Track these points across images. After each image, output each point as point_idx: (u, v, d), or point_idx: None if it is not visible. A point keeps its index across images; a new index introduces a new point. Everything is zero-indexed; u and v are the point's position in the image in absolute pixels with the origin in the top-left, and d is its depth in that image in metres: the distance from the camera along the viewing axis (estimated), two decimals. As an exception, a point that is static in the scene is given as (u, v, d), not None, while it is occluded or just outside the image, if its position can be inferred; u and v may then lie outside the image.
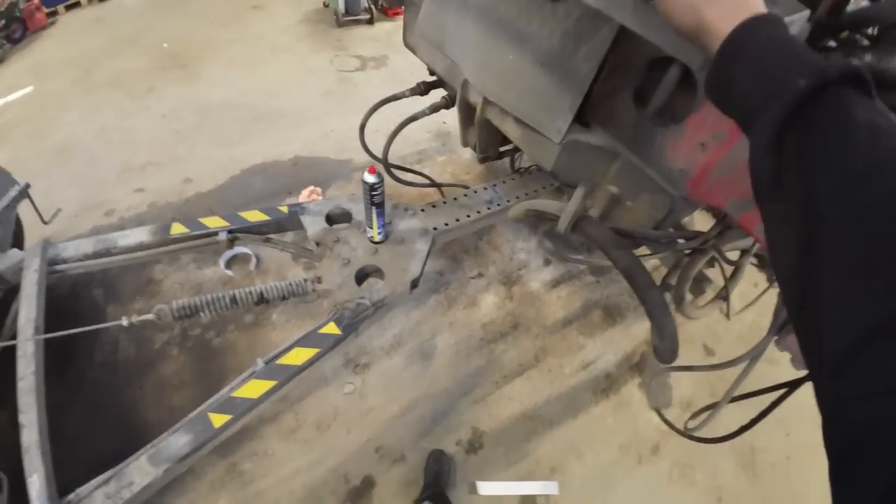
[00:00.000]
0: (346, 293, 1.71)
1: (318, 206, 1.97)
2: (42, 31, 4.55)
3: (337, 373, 2.23)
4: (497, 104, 1.62)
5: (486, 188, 2.23)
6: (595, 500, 2.02)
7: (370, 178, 1.63)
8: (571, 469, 2.07)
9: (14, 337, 1.58)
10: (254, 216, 1.91)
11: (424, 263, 1.84)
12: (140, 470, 1.32)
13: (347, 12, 4.91)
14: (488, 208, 2.12)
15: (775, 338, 1.46)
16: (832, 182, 0.41)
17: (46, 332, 1.60)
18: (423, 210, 2.05)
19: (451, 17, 1.64)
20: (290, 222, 1.96)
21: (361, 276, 1.81)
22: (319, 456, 1.98)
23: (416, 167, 2.90)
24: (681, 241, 1.63)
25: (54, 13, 4.76)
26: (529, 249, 2.89)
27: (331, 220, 1.95)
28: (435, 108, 2.15)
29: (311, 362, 1.54)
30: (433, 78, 2.22)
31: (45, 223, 2.03)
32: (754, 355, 1.57)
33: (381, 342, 2.37)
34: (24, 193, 1.96)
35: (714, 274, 2.04)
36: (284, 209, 1.95)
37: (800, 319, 0.43)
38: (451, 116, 2.13)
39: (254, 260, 2.59)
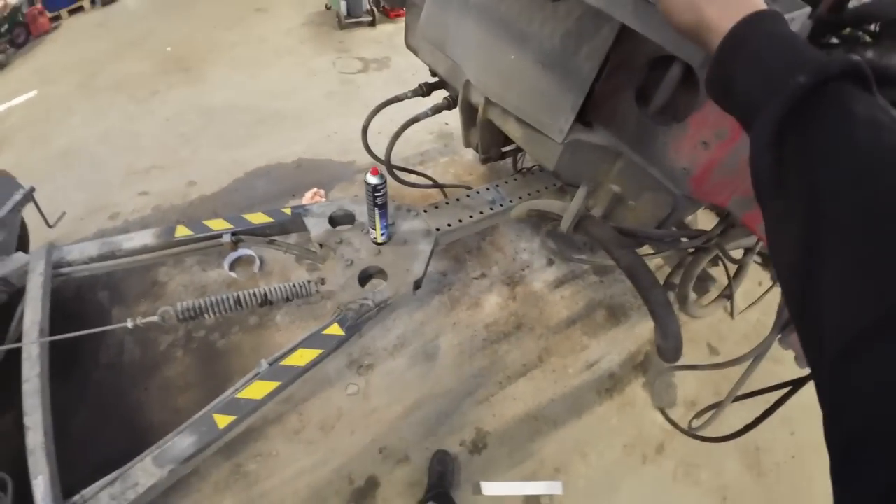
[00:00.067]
0: (350, 294, 1.72)
1: (321, 208, 1.98)
2: (45, 35, 4.58)
3: (341, 374, 2.24)
4: (499, 104, 1.62)
5: (488, 189, 2.23)
6: (599, 501, 2.01)
7: (373, 180, 1.63)
8: (576, 469, 2.07)
9: (19, 339, 1.59)
10: (257, 218, 1.91)
11: (427, 264, 1.84)
12: (145, 471, 1.32)
13: (349, 14, 4.93)
14: (491, 209, 2.13)
15: (779, 336, 1.46)
16: (833, 178, 0.41)
17: (51, 334, 1.61)
18: (425, 211, 2.05)
19: (452, 18, 1.65)
20: (294, 224, 1.96)
21: (365, 278, 1.81)
22: (324, 457, 1.99)
23: (419, 168, 2.91)
24: (684, 239, 1.63)
25: (57, 17, 4.79)
26: (532, 250, 2.88)
27: (334, 221, 1.96)
28: (437, 109, 2.15)
29: (314, 363, 1.54)
30: (435, 79, 2.22)
31: (49, 226, 2.04)
32: (758, 354, 1.56)
33: (385, 343, 2.37)
34: (29, 197, 1.97)
35: (718, 273, 2.03)
36: (288, 211, 1.95)
37: (800, 316, 0.43)
38: (453, 117, 2.14)
39: (258, 262, 2.60)
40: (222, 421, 1.41)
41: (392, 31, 5.00)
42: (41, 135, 3.39)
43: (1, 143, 3.33)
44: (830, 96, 0.44)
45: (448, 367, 2.32)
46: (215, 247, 1.87)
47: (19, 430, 1.39)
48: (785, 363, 1.92)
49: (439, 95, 2.20)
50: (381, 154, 2.28)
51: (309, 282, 1.72)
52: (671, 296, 1.85)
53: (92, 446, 1.83)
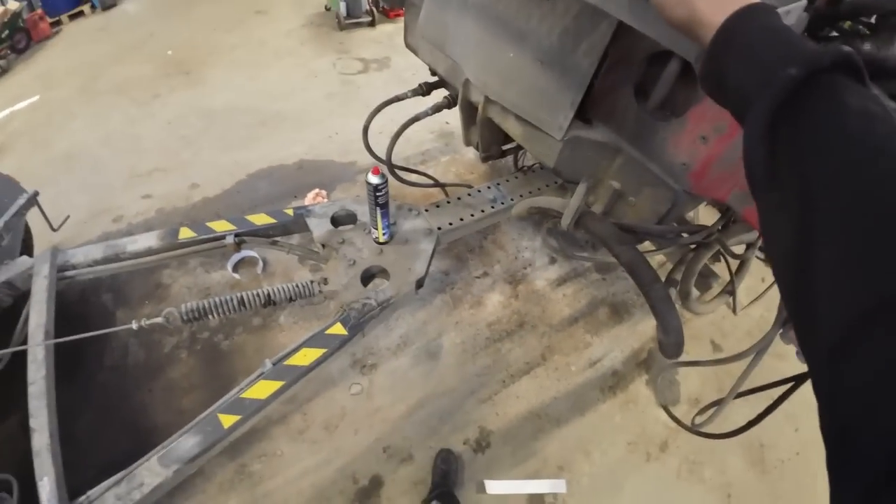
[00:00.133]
0: (352, 294, 1.72)
1: (323, 209, 1.99)
2: (46, 40, 4.61)
3: (344, 373, 2.24)
4: (498, 102, 1.62)
5: (489, 187, 2.24)
6: (603, 499, 2.01)
7: (374, 180, 1.64)
8: (579, 467, 2.07)
9: (25, 342, 1.61)
10: (260, 219, 1.92)
11: (429, 263, 1.85)
12: (150, 471, 1.33)
13: (349, 15, 4.94)
14: (492, 207, 2.13)
15: (780, 331, 1.45)
16: (826, 169, 0.41)
17: (56, 337, 1.62)
18: (427, 210, 2.06)
19: (451, 18, 1.65)
20: (296, 225, 1.97)
21: (367, 277, 1.82)
22: (328, 456, 1.99)
23: (420, 168, 2.91)
24: (685, 235, 1.63)
25: (58, 23, 4.82)
26: (534, 248, 2.88)
27: (336, 221, 1.97)
28: (437, 109, 2.16)
29: (318, 363, 1.55)
30: (435, 78, 2.23)
31: (53, 230, 2.05)
32: (760, 349, 1.56)
33: (388, 342, 2.38)
34: (33, 201, 1.98)
35: (720, 269, 2.03)
36: (290, 212, 1.96)
37: (795, 308, 0.43)
38: (453, 116, 2.14)
39: (261, 263, 2.61)
40: (227, 421, 1.42)
41: (392, 31, 5.01)
42: (43, 139, 3.41)
43: (4, 147, 3.35)
44: (822, 88, 0.44)
45: (451, 365, 2.32)
46: (218, 248, 1.88)
47: (25, 431, 1.41)
48: (788, 359, 1.93)
49: (439, 94, 2.21)
50: (382, 154, 2.29)
51: (312, 282, 1.73)
52: (673, 292, 1.85)
53: (97, 448, 1.84)
